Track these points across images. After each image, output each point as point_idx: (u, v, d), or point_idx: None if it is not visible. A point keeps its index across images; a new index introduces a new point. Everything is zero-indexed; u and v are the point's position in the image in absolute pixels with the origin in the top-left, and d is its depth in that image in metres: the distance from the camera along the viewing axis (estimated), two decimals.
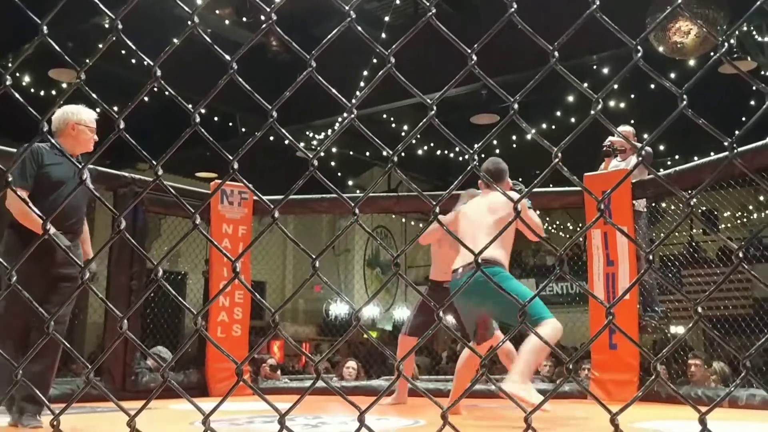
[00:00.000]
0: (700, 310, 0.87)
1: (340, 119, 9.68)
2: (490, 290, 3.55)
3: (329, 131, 10.36)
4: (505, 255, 3.96)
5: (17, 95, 1.01)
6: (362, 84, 8.18)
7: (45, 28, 0.99)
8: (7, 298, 2.97)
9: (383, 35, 7.91)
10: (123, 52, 7.40)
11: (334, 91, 1.00)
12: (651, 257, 0.94)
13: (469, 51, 0.96)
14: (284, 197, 1.04)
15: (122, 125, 0.99)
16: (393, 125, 10.96)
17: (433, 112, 0.96)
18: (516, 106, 0.95)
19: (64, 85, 8.77)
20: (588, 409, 4.41)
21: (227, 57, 0.99)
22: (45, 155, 3.39)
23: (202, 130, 1.00)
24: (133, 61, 7.73)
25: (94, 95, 0.95)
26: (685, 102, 0.89)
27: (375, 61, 7.72)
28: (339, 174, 12.94)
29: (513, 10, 0.93)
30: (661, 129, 0.92)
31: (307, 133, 10.52)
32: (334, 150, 11.39)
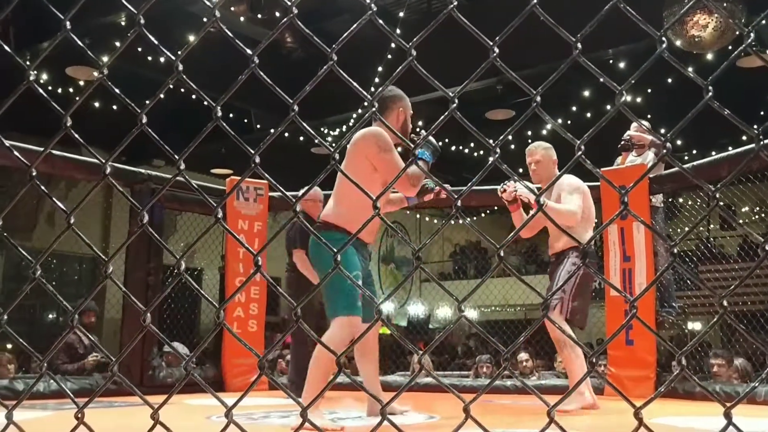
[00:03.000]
0: (725, 304, 0.86)
1: (354, 115, 9.68)
2: (314, 260, 3.34)
3: (344, 127, 10.36)
4: (344, 213, 3.20)
5: (41, 91, 1.02)
6: (377, 80, 8.17)
7: (68, 24, 1.00)
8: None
9: (398, 30, 7.89)
10: (139, 49, 7.44)
11: (355, 84, 1.00)
12: (675, 251, 0.93)
13: (491, 44, 0.95)
14: (305, 191, 1.05)
15: (144, 120, 0.99)
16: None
17: (454, 105, 0.96)
18: (539, 99, 0.95)
19: (81, 83, 8.83)
20: (605, 404, 4.38)
21: (249, 51, 0.99)
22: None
23: (224, 125, 1.00)
24: (149, 58, 7.77)
25: (116, 90, 0.96)
26: (710, 93, 0.88)
27: (390, 56, 7.71)
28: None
29: (535, 2, 0.92)
30: (685, 121, 0.91)
31: (322, 129, 10.53)
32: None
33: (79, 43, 1.02)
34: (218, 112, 0.98)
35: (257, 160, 0.98)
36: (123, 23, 7.67)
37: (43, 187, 0.99)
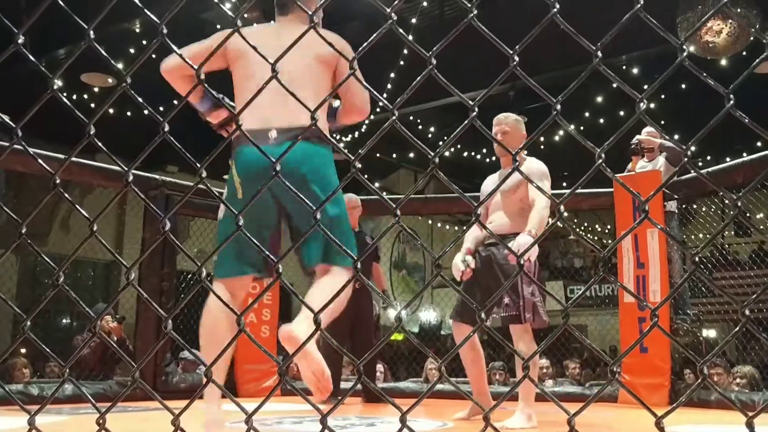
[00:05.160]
0: (747, 313, 0.85)
1: (366, 121, 9.69)
2: (306, 176, 2.24)
3: (356, 133, 10.39)
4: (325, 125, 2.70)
5: (65, 100, 1.03)
6: (389, 86, 8.19)
7: (92, 33, 1.01)
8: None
9: (410, 36, 7.92)
10: (153, 56, 7.49)
11: (375, 93, 1.01)
12: (696, 260, 0.93)
13: (511, 52, 0.96)
14: (326, 199, 1.05)
15: (167, 128, 1.00)
16: (420, 127, 10.95)
17: (474, 113, 0.96)
18: (558, 107, 0.95)
19: (96, 89, 8.90)
20: (619, 413, 4.35)
21: (270, 61, 1.00)
22: None
23: (246, 134, 1.01)
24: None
25: (140, 99, 0.97)
26: (732, 102, 0.88)
27: (402, 63, 7.73)
28: (365, 176, 12.98)
29: (555, 10, 0.93)
30: (707, 129, 0.91)
31: (334, 135, 10.57)
32: (361, 152, 11.44)
33: (103, 53, 1.03)
34: (239, 121, 0.99)
35: (278, 167, 0.99)
36: (137, 30, 7.74)
37: (66, 195, 1.00)
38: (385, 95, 8.49)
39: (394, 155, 12.93)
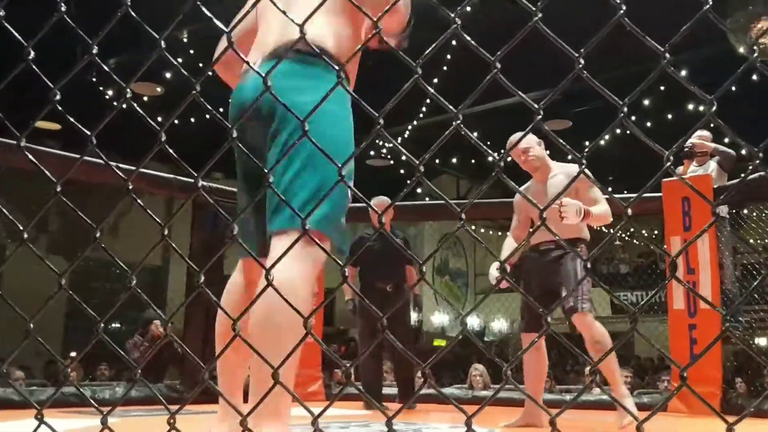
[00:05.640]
0: None
1: (410, 127, 9.72)
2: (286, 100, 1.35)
3: (399, 139, 10.42)
4: (338, 39, 1.84)
5: (138, 108, 1.07)
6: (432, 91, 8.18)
7: (163, 43, 1.04)
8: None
9: (453, 42, 7.91)
10: (200, 64, 7.64)
11: (440, 98, 1.01)
12: None
13: (576, 55, 0.95)
14: (391, 203, 1.06)
15: (235, 135, 1.02)
16: (463, 131, 10.89)
17: (539, 117, 0.96)
18: (625, 109, 0.94)
19: (145, 98, 9.10)
20: (673, 422, 4.26)
21: (335, 67, 1.02)
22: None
23: (312, 139, 1.03)
24: (210, 73, 7.96)
25: (208, 106, 1.00)
26: None
27: (445, 68, 7.73)
28: (408, 181, 13.02)
29: (622, 12, 0.92)
30: None
31: (378, 141, 10.63)
32: (403, 158, 11.46)
33: (173, 61, 1.06)
34: (305, 126, 1.01)
35: (344, 172, 1.01)
36: (185, 40, 7.89)
37: (138, 200, 1.03)
38: (428, 100, 8.49)
39: (437, 160, 12.92)
